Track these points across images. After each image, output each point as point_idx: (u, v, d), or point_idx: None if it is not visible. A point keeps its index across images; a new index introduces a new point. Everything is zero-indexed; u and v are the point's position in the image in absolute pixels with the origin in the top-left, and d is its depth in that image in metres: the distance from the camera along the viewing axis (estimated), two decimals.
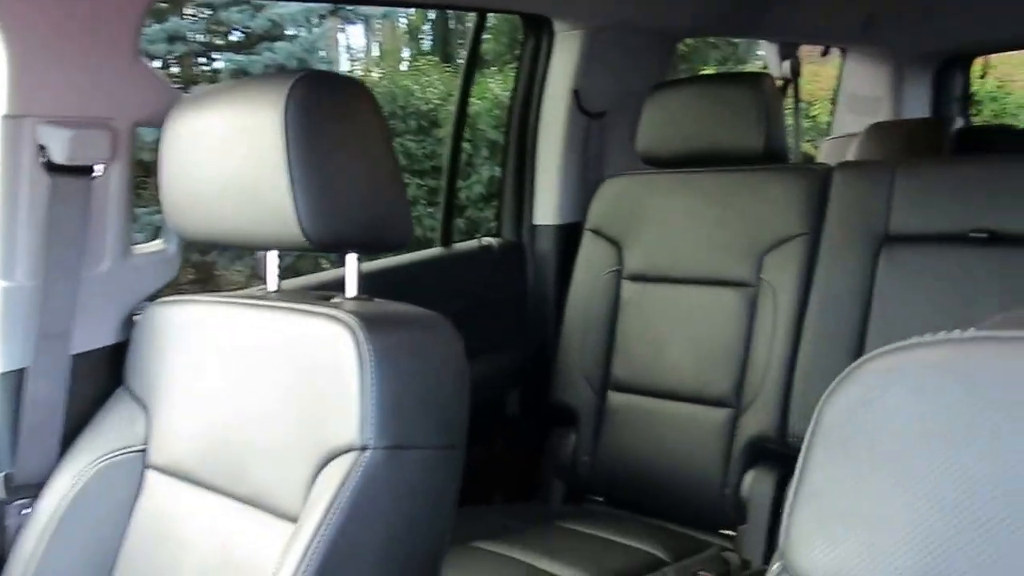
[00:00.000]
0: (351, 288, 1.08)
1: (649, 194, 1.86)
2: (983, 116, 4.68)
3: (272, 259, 1.15)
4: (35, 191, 1.16)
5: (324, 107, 1.00)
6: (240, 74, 5.58)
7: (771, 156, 1.73)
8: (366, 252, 1.09)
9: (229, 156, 1.03)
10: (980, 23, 2.69)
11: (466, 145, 5.29)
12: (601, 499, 1.86)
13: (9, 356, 1.16)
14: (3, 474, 1.16)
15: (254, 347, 1.05)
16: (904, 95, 3.02)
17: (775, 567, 0.49)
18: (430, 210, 5.49)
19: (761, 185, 1.72)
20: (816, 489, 0.47)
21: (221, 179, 1.05)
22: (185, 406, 1.12)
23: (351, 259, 1.08)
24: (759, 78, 1.81)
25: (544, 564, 1.49)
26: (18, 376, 1.17)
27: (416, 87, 6.17)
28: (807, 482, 0.48)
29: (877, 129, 2.69)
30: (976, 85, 3.47)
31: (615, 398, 1.84)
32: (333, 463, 0.91)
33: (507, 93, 5.55)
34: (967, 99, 3.20)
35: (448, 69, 6.46)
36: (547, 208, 2.04)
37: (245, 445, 1.03)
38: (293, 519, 0.94)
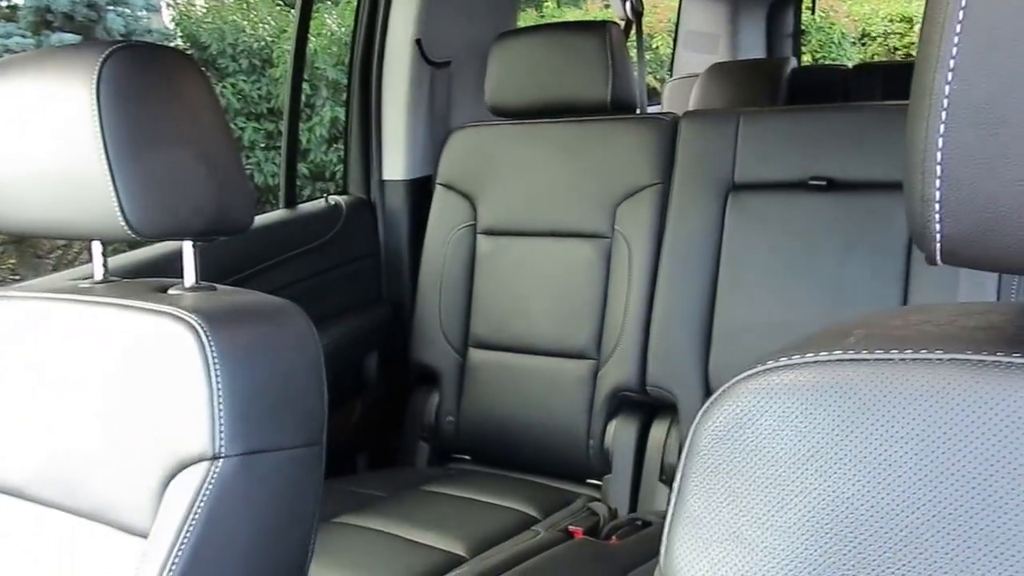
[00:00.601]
0: (189, 277, 0.99)
1: (499, 146, 1.82)
2: (811, 46, 4.89)
3: (96, 248, 1.03)
4: None
5: (143, 83, 0.89)
6: None
7: (619, 106, 1.72)
8: (202, 239, 1.00)
9: (35, 139, 0.91)
10: None
11: (305, 85, 5.07)
12: (468, 458, 1.86)
13: None
14: None
15: (82, 350, 0.95)
16: (739, 33, 3.10)
17: None
18: (271, 154, 5.26)
19: (611, 136, 1.72)
20: (694, 513, 0.46)
21: (27, 164, 0.93)
22: (8, 418, 1.00)
23: (187, 247, 0.98)
24: (605, 27, 1.78)
25: (412, 534, 1.47)
26: None
27: (246, 23, 5.83)
28: (685, 506, 0.47)
29: (717, 70, 2.75)
30: (806, 18, 3.60)
31: (476, 355, 1.82)
32: (184, 474, 0.84)
33: (345, 29, 5.34)
34: (797, 36, 3.32)
35: (280, 3, 6.13)
36: (396, 163, 1.97)
37: (82, 457, 0.94)
38: (143, 534, 0.87)
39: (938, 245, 0.37)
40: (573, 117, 1.76)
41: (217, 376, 0.84)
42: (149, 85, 0.90)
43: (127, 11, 5.34)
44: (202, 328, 0.85)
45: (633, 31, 2.64)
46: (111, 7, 5.23)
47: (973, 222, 0.36)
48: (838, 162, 1.49)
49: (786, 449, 0.43)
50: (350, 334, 1.88)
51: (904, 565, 0.39)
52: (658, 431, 1.64)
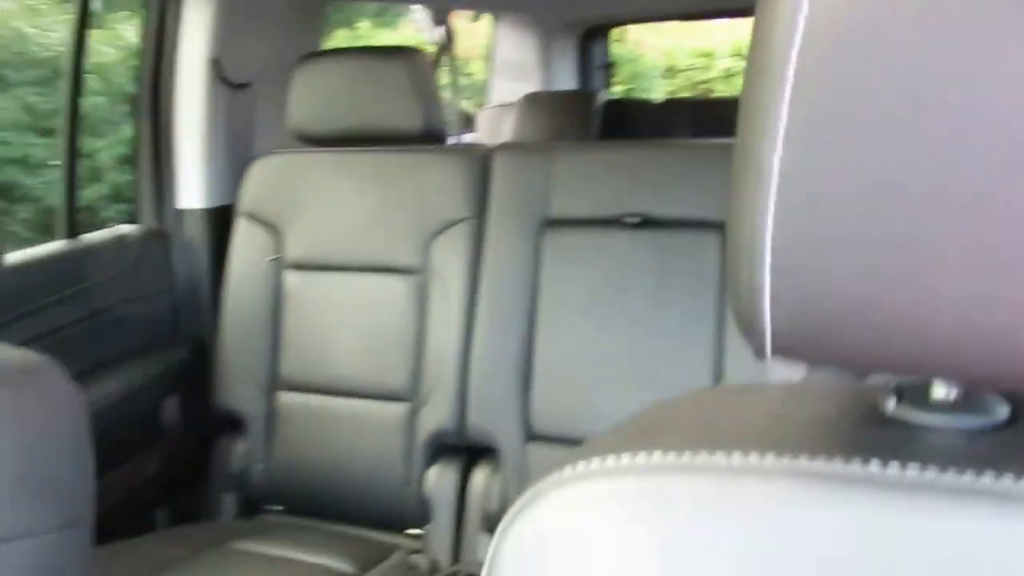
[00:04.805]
0: None
1: (306, 175, 1.72)
2: (622, 75, 5.06)
3: None
4: None
5: None
6: None
7: (430, 136, 1.67)
8: None
9: None
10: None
11: (101, 100, 4.69)
12: (280, 508, 1.73)
13: None
14: None
15: None
16: (552, 62, 3.14)
17: None
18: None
19: (422, 167, 1.66)
20: None
21: None
22: None
23: None
24: (413, 54, 1.73)
25: None
26: None
27: (33, 30, 5.34)
28: None
29: (532, 100, 2.76)
30: (615, 48, 3.71)
31: (285, 398, 1.70)
32: None
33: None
34: (608, 68, 3.41)
35: (70, 11, 5.66)
36: (192, 190, 1.81)
37: None
38: None
39: (768, 339, 0.33)
40: (382, 147, 1.69)
41: None
42: None
43: None
44: None
45: (447, 56, 2.62)
46: None
47: (806, 315, 0.32)
48: (652, 199, 1.50)
49: (601, 569, 0.37)
50: (143, 378, 1.71)
51: None
52: (479, 477, 1.58)
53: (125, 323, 1.71)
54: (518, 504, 0.39)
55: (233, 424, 1.73)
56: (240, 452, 1.72)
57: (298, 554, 1.50)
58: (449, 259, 1.60)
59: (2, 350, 0.83)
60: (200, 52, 1.75)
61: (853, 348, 0.32)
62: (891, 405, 0.38)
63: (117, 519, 1.58)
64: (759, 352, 0.33)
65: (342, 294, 1.67)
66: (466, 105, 4.53)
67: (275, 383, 1.70)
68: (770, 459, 0.35)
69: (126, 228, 1.80)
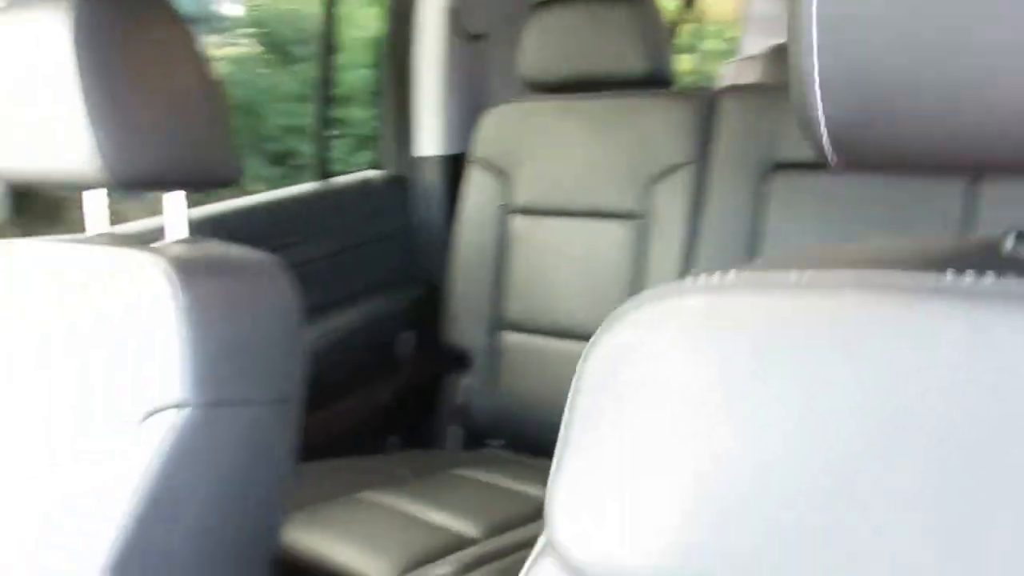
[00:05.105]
0: (177, 230, 0.97)
1: (534, 123, 1.76)
2: None
3: (89, 201, 1.02)
4: None
5: (121, 25, 0.87)
6: None
7: (657, 80, 1.65)
8: (189, 190, 0.98)
9: (18, 87, 0.90)
10: None
11: (366, 72, 5.05)
12: (501, 443, 1.81)
13: None
14: None
15: (63, 297, 0.94)
16: None
17: (540, 542, 0.43)
18: (335, 141, 5.26)
19: (647, 111, 1.64)
20: (579, 452, 0.42)
21: (12, 114, 0.92)
22: None
23: (174, 198, 0.96)
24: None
25: (428, 514, 1.43)
26: None
27: (314, 10, 5.86)
28: (571, 444, 0.42)
29: (778, 51, 2.63)
30: None
31: (508, 338, 1.77)
32: (150, 420, 0.83)
33: None
34: None
35: None
36: (430, 138, 1.93)
37: (54, 406, 0.92)
38: (112, 480, 0.85)
39: (825, 139, 0.33)
40: (608, 92, 1.69)
41: (186, 324, 0.81)
42: (127, 30, 0.88)
43: None
44: (174, 276, 0.83)
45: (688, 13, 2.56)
46: None
47: (858, 109, 0.32)
48: None
49: (672, 383, 0.37)
50: (381, 312, 1.85)
51: (782, 527, 0.34)
52: None
53: (367, 261, 1.86)
54: (603, 325, 0.40)
55: (461, 361, 1.83)
56: (466, 387, 1.81)
57: (511, 483, 1.56)
58: (670, 204, 1.58)
59: (237, 248, 0.94)
60: (440, 2, 1.85)
61: (904, 142, 0.30)
62: (1009, 243, 0.36)
63: (353, 440, 1.73)
64: (822, 158, 0.33)
65: (564, 239, 1.71)
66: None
67: (500, 323, 1.78)
68: (845, 274, 0.33)
69: (370, 173, 1.94)
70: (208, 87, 0.94)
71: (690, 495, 0.36)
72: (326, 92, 1.84)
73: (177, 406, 0.82)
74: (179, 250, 0.90)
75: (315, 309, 1.71)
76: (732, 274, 0.37)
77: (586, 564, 0.39)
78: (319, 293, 1.72)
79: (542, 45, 1.73)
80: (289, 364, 0.91)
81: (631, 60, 1.64)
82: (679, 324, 0.38)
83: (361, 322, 1.80)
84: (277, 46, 5.32)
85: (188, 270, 0.84)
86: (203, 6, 5.43)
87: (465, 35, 1.87)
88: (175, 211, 0.97)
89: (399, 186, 1.94)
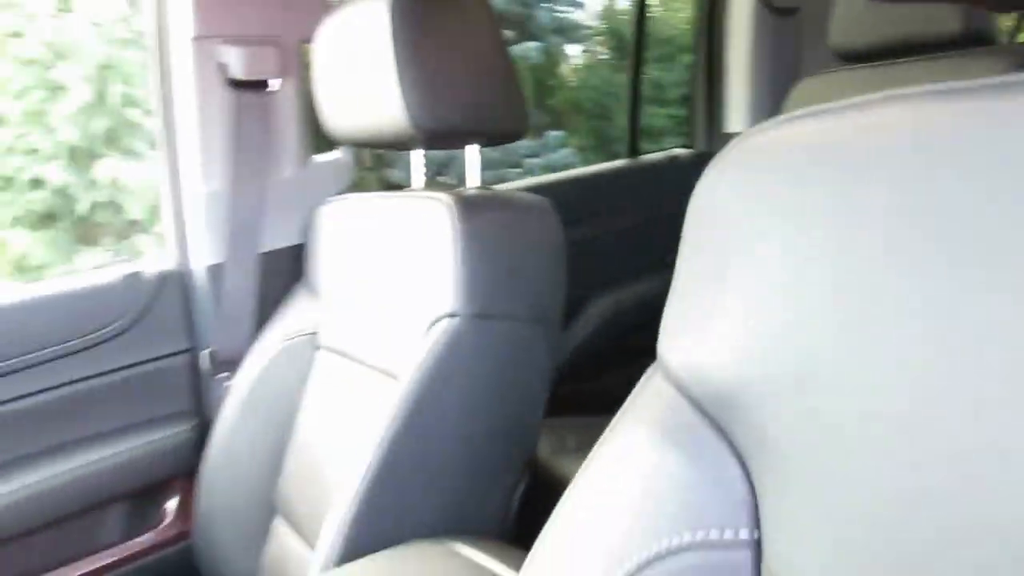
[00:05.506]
0: (473, 178, 1.14)
1: (845, 93, 1.72)
2: None
3: (415, 158, 1.23)
4: (222, 106, 1.33)
5: (429, 10, 1.04)
6: None
7: (975, 39, 1.54)
8: (483, 144, 1.14)
9: (352, 60, 1.11)
10: None
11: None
12: None
13: (210, 252, 1.36)
14: (209, 351, 1.37)
15: (382, 234, 1.16)
16: None
17: (650, 370, 0.49)
18: (678, 141, 5.34)
19: (965, 73, 1.54)
20: (687, 277, 0.45)
21: (348, 83, 1.14)
22: (341, 293, 1.25)
23: (470, 152, 1.14)
24: None
25: None
26: (218, 270, 1.37)
27: (661, 12, 6.02)
28: (681, 272, 0.46)
29: None
30: None
31: None
32: (431, 328, 1.00)
33: None
34: None
35: None
36: (738, 115, 1.96)
37: (378, 322, 1.14)
38: (392, 386, 1.04)
39: None
40: (922, 56, 1.61)
41: (462, 248, 0.98)
42: (433, 13, 1.04)
43: (555, 7, 5.85)
44: (456, 211, 1.00)
45: None
46: (543, 4, 5.76)
47: None
48: None
49: (765, 210, 0.40)
50: (660, 289, 1.93)
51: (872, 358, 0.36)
52: None
53: (671, 234, 1.94)
54: (719, 154, 0.44)
55: None
56: None
57: None
58: None
59: (520, 193, 1.10)
60: None
61: None
62: None
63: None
64: None
65: None
66: None
67: None
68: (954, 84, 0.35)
69: (678, 151, 2.03)
70: (501, 57, 1.09)
71: (777, 312, 0.39)
72: (636, 82, 1.96)
73: (451, 315, 0.98)
74: (467, 193, 1.07)
75: (617, 275, 1.85)
76: (829, 105, 0.39)
77: (690, 379, 0.44)
78: (621, 261, 1.84)
79: (853, 12, 1.69)
80: (550, 290, 1.05)
81: (946, 19, 1.55)
82: (788, 152, 0.40)
83: (655, 289, 1.89)
84: (626, 50, 5.54)
85: (467, 206, 1.01)
86: (561, 18, 5.85)
87: (775, 9, 1.89)
88: (471, 162, 1.15)
89: (705, 163, 2.00)
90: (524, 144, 4.91)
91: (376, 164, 4.02)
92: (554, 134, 5.13)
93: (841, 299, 0.37)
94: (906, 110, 0.37)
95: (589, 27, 6.10)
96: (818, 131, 0.40)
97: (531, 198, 1.08)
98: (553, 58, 5.82)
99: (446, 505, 1.01)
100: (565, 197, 1.76)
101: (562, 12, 5.80)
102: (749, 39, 1.91)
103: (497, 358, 1.01)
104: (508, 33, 5.27)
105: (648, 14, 1.98)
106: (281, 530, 1.27)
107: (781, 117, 0.42)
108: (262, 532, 1.30)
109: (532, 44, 5.44)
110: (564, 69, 6.08)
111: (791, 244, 0.39)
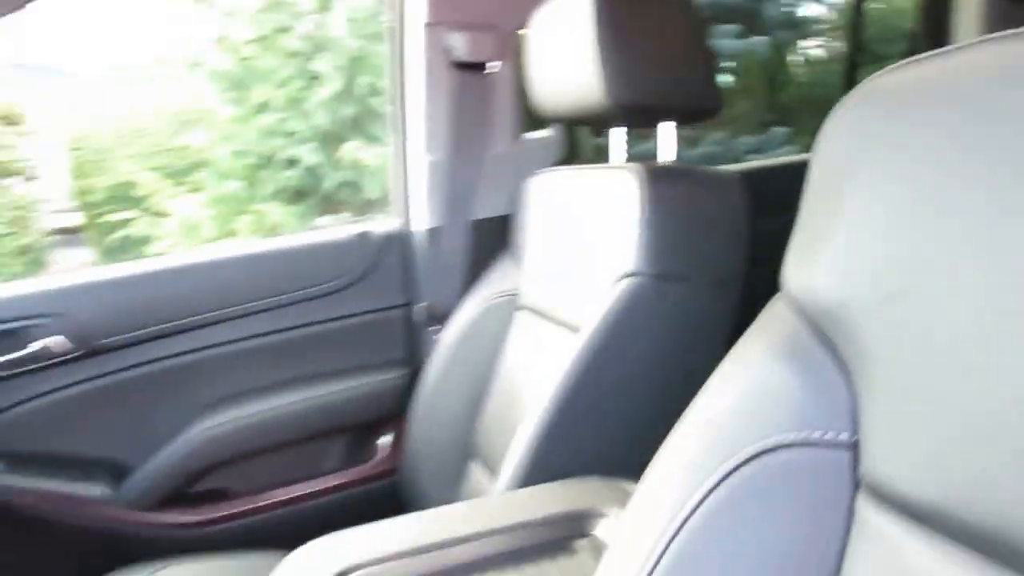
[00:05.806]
0: (667, 153, 1.21)
1: None
2: None
3: (615, 136, 1.31)
4: (446, 85, 1.48)
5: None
6: None
7: None
8: (679, 121, 1.20)
9: (561, 44, 1.20)
10: None
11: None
12: None
13: (430, 216, 1.52)
14: (426, 304, 1.53)
15: (578, 203, 1.25)
16: None
17: (773, 299, 0.54)
18: None
19: None
20: (813, 208, 0.49)
21: (557, 65, 1.23)
22: (539, 257, 1.36)
23: (664, 129, 1.20)
24: None
25: None
26: (436, 232, 1.52)
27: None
28: (807, 205, 0.50)
29: None
30: None
31: None
32: (613, 286, 1.08)
33: None
34: None
35: None
36: None
37: (568, 281, 1.23)
38: (574, 337, 1.11)
39: None
40: None
41: (646, 212, 1.05)
42: (632, 1, 1.11)
43: (784, 1, 5.73)
44: (643, 179, 1.07)
45: None
46: None
47: None
48: None
49: (877, 144, 0.44)
50: None
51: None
52: None
53: None
54: (846, 96, 0.48)
55: None
56: None
57: None
58: None
59: (713, 169, 1.15)
60: None
61: None
62: None
63: None
64: None
65: None
66: None
67: None
68: None
69: None
70: (698, 41, 1.14)
71: (893, 234, 0.43)
72: (852, 68, 1.93)
73: (633, 274, 1.06)
74: (659, 167, 1.13)
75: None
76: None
77: (803, 299, 0.49)
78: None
79: None
80: (730, 255, 1.09)
81: None
82: (916, 93, 0.43)
83: None
84: (861, 44, 5.29)
85: (653, 175, 1.08)
86: (790, 12, 5.69)
87: None
88: (665, 139, 1.21)
89: None
90: (746, 140, 4.84)
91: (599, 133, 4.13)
92: (780, 130, 5.01)
93: (940, 225, 0.41)
94: (998, 50, 0.41)
95: (823, 21, 5.88)
96: (925, 74, 0.44)
97: (720, 171, 1.13)
98: (781, 53, 5.66)
99: (614, 449, 1.08)
100: (779, 184, 1.78)
101: (790, 5, 5.65)
102: (979, 32, 1.82)
103: (675, 316, 1.07)
104: (735, 27, 5.22)
105: (872, 4, 1.94)
106: (476, 472, 1.40)
107: (900, 62, 0.46)
108: (460, 473, 1.44)
109: (758, 39, 5.33)
110: (795, 64, 5.90)
111: (897, 174, 0.43)
